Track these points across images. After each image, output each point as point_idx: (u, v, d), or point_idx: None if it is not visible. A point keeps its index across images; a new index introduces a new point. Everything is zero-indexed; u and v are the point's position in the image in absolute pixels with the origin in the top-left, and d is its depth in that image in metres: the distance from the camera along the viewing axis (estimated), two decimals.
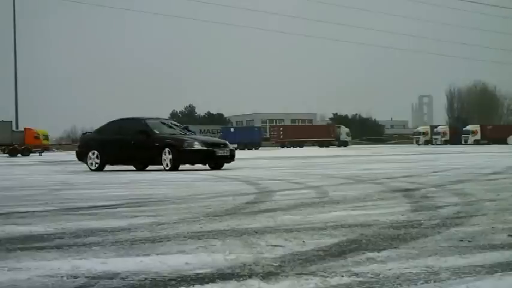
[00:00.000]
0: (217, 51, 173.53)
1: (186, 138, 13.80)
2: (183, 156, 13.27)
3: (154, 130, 14.19)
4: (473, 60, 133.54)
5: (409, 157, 21.44)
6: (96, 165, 14.29)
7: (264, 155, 28.79)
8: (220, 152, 13.57)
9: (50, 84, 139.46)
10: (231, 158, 13.94)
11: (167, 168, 13.14)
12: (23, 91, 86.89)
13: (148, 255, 2.92)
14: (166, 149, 13.30)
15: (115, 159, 14.51)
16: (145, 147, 13.74)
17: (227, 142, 14.62)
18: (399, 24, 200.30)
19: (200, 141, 13.67)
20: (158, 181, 9.43)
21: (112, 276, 2.48)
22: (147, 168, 14.36)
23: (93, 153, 14.41)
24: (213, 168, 13.50)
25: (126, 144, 14.16)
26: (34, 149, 41.52)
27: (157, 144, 13.51)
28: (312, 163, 17.15)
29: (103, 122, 15.26)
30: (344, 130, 67.53)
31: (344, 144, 63.48)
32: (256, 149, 56.26)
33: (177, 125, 15.74)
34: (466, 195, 5.87)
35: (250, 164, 17.00)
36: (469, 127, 64.89)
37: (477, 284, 2.29)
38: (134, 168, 14.52)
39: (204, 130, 61.17)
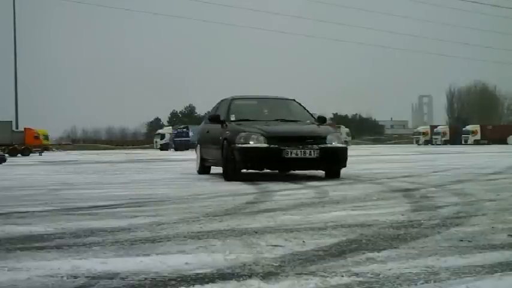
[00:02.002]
0: (217, 51, 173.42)
1: (243, 129, 8.55)
2: (235, 158, 8.39)
3: (231, 116, 9.34)
4: (473, 60, 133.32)
5: (409, 157, 21.43)
6: (199, 166, 10.55)
7: None
8: (295, 153, 8.18)
9: (50, 84, 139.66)
10: (323, 161, 8.43)
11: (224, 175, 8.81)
12: (23, 91, 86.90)
13: (148, 255, 2.92)
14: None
15: (207, 158, 10.19)
16: (217, 141, 9.16)
17: (326, 134, 8.79)
18: (399, 24, 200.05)
19: (262, 134, 8.35)
20: (158, 181, 9.42)
21: (112, 276, 2.48)
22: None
23: (196, 151, 10.78)
24: (328, 175, 8.91)
25: (208, 136, 10.12)
26: (34, 149, 41.55)
27: (220, 138, 8.99)
28: None
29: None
30: (344, 130, 67.39)
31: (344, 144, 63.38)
32: None
33: (298, 108, 10.06)
34: (466, 195, 5.87)
35: None
36: (469, 127, 64.82)
37: (477, 284, 2.29)
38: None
39: None
